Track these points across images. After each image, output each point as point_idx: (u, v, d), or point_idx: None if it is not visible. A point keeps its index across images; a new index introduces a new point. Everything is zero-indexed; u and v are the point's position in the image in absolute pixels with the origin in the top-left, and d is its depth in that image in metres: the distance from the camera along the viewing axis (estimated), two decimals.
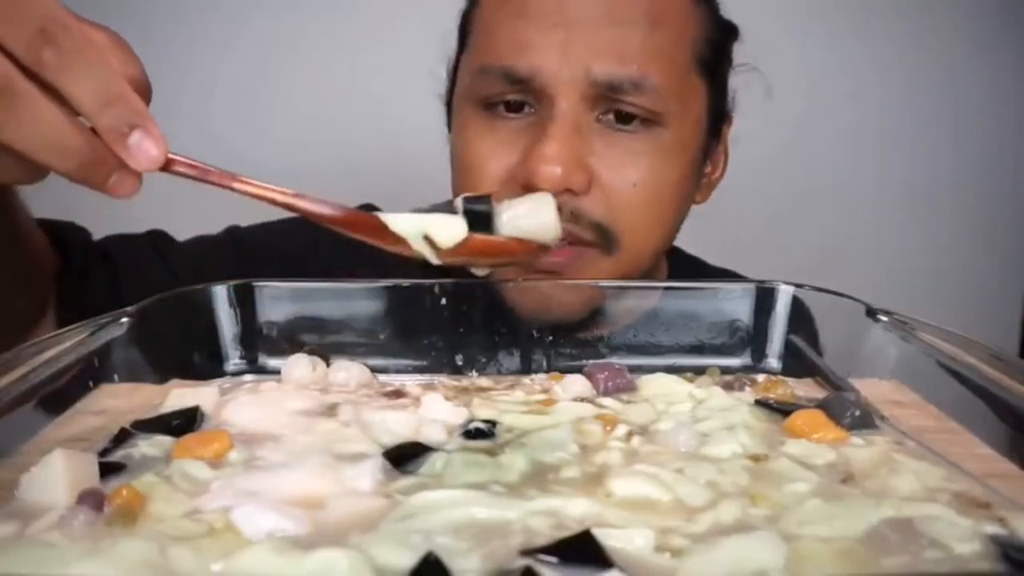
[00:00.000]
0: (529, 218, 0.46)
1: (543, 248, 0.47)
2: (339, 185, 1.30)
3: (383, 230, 0.43)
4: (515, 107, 0.70)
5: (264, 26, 1.37)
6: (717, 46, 0.75)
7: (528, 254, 0.47)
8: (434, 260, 0.44)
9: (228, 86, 1.39)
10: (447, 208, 0.45)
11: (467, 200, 0.44)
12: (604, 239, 0.70)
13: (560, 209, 0.59)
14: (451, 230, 0.43)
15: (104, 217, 0.80)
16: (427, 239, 0.43)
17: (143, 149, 0.40)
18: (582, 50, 0.67)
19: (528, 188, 0.66)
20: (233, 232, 0.87)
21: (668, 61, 0.70)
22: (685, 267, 0.89)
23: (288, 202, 0.44)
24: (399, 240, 0.43)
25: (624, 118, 0.69)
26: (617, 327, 0.66)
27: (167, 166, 0.41)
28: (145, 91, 0.43)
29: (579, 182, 0.67)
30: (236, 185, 0.43)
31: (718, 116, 0.77)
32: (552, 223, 0.47)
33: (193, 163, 0.42)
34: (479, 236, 0.43)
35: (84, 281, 0.75)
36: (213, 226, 0.88)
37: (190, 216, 0.85)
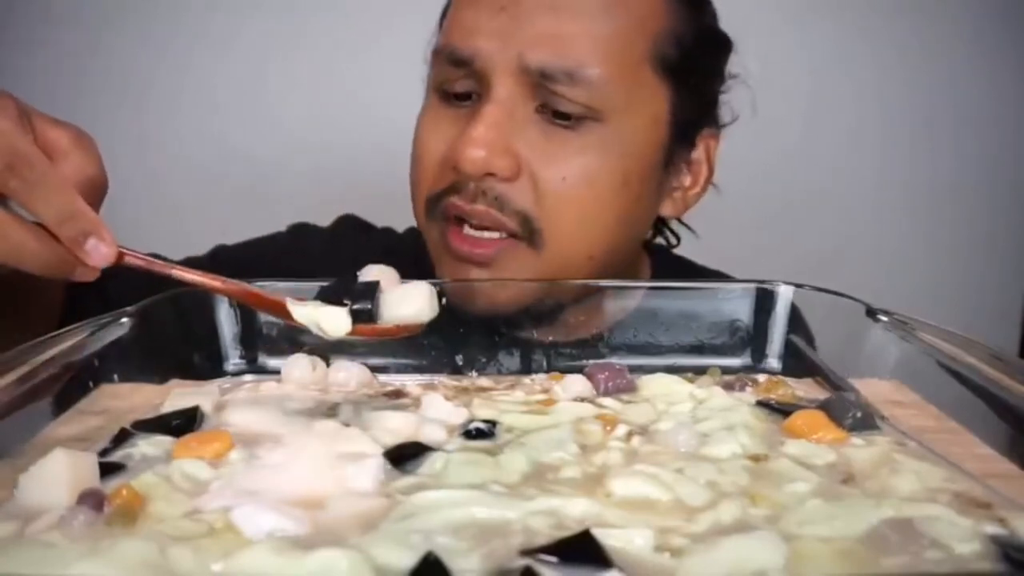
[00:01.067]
0: (402, 306, 0.53)
1: (420, 326, 0.53)
2: (337, 183, 1.31)
3: (288, 314, 0.51)
4: (465, 96, 0.71)
5: (264, 26, 1.38)
6: (690, 50, 0.72)
7: (407, 333, 0.53)
8: (328, 338, 0.51)
9: (228, 85, 1.39)
10: (349, 285, 0.53)
11: (358, 290, 0.52)
12: (528, 231, 0.69)
13: (486, 193, 0.67)
14: (337, 323, 0.50)
15: None
16: (319, 327, 0.50)
17: (98, 251, 0.48)
18: (520, 36, 0.67)
19: (456, 171, 0.68)
20: (220, 251, 0.88)
21: (615, 53, 0.68)
22: (671, 267, 0.88)
23: (218, 287, 0.53)
24: (299, 324, 0.51)
25: (561, 115, 0.68)
26: (603, 326, 0.66)
27: (119, 260, 0.49)
28: (102, 185, 0.52)
29: (504, 168, 0.67)
30: (175, 273, 0.51)
31: (689, 123, 0.75)
32: (423, 309, 0.53)
33: (139, 256, 0.50)
34: (362, 326, 0.51)
35: (80, 314, 0.75)
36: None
37: (189, 235, 0.85)
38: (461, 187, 0.69)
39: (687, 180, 0.78)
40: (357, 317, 0.51)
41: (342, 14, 1.38)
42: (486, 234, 0.70)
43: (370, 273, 0.54)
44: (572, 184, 0.69)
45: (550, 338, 0.66)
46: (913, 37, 1.44)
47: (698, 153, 0.77)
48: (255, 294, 0.53)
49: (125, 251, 0.49)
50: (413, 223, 0.90)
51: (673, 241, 0.89)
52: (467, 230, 0.70)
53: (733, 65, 0.79)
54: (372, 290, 0.52)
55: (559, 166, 0.68)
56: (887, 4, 1.43)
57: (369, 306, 0.51)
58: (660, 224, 0.86)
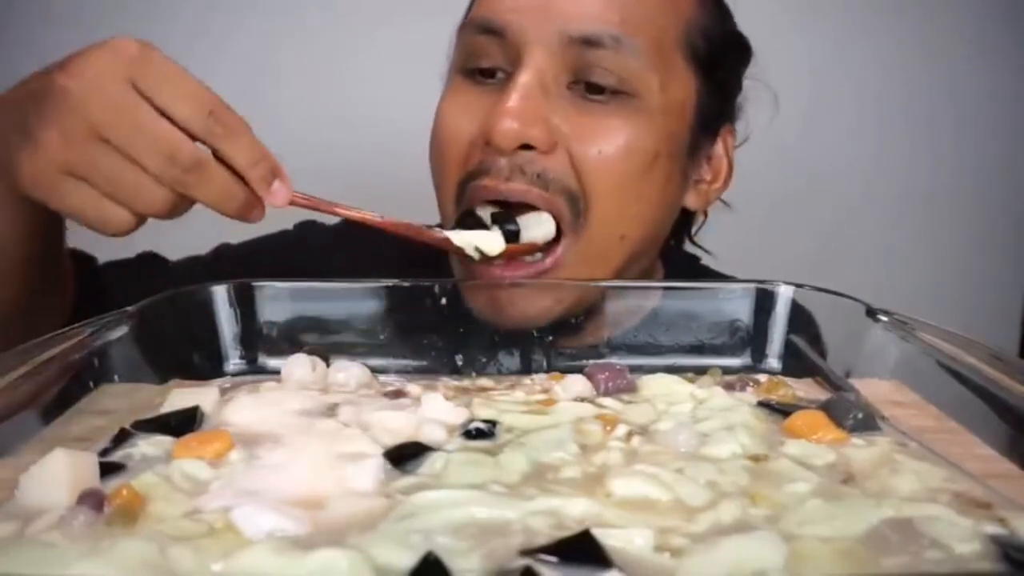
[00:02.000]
0: (534, 228, 0.67)
1: (546, 243, 0.68)
2: (337, 183, 1.30)
3: (448, 243, 0.64)
4: (490, 74, 0.70)
5: (263, 25, 1.38)
6: (716, 45, 0.74)
7: (532, 251, 0.68)
8: (483, 258, 0.64)
9: (227, 84, 1.38)
10: (474, 220, 0.67)
11: (495, 220, 0.67)
12: (574, 212, 0.67)
13: (524, 171, 0.67)
14: (493, 242, 0.65)
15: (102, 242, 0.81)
16: (477, 249, 0.64)
17: (280, 193, 0.55)
18: (555, 7, 0.67)
19: (487, 147, 0.66)
20: (223, 250, 0.87)
21: (651, 30, 0.69)
22: (685, 274, 0.88)
23: (378, 222, 0.60)
24: (458, 249, 0.64)
25: (595, 89, 0.68)
26: (617, 329, 0.66)
27: (292, 201, 0.56)
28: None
29: (540, 138, 0.66)
30: (338, 210, 0.59)
31: (712, 116, 0.75)
32: (550, 231, 0.68)
33: (308, 198, 0.58)
34: (511, 245, 0.66)
35: (81, 311, 0.75)
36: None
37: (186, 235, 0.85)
38: (491, 167, 0.67)
39: (708, 175, 0.78)
40: (507, 238, 0.64)
41: (342, 13, 1.38)
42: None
43: (484, 210, 0.67)
44: (608, 158, 0.67)
45: (550, 338, 0.66)
46: (914, 37, 1.44)
47: (718, 148, 0.78)
48: (415, 228, 0.63)
49: (296, 194, 0.56)
50: (418, 221, 0.90)
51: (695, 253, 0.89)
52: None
53: (753, 68, 0.80)
54: (508, 215, 0.66)
55: (594, 139, 0.67)
56: (887, 3, 1.43)
57: (516, 228, 0.65)
58: (682, 230, 0.87)
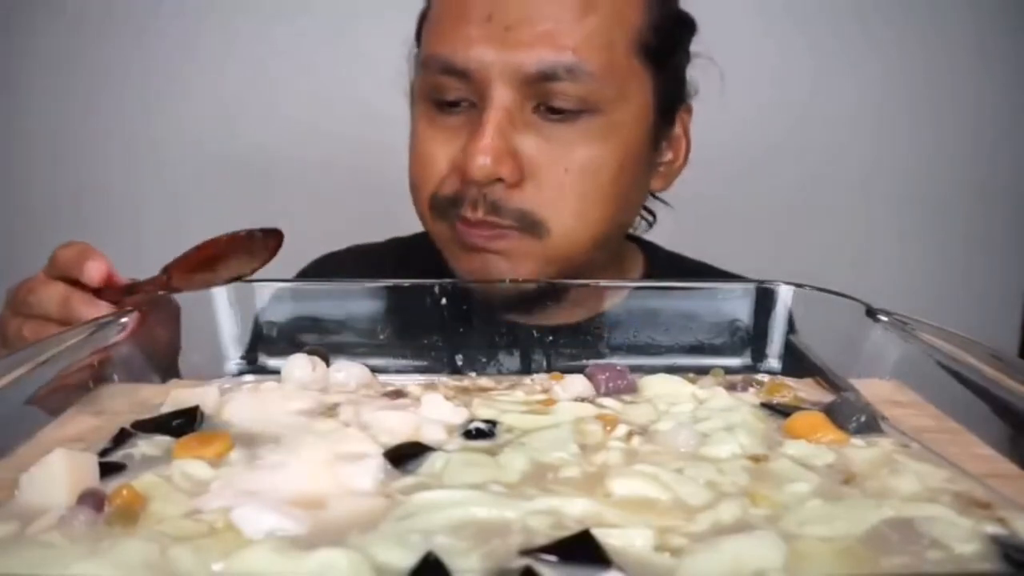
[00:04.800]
0: None
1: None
2: (342, 176, 1.30)
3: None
4: (457, 103, 0.73)
5: (270, 13, 1.38)
6: (665, 35, 0.76)
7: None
8: None
9: (236, 74, 1.39)
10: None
11: None
12: (528, 224, 0.72)
13: (486, 197, 0.71)
14: None
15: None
16: None
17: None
18: (512, 42, 0.69)
19: (464, 178, 0.71)
20: None
21: (603, 47, 0.71)
22: (664, 263, 0.91)
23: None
24: None
25: (559, 111, 0.71)
26: (601, 307, 0.67)
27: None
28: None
29: (509, 172, 0.70)
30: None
31: (670, 103, 0.78)
32: None
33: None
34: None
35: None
36: None
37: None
38: (464, 197, 0.71)
39: (669, 155, 0.82)
40: None
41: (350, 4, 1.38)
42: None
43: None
44: (574, 175, 0.71)
45: (550, 337, 0.66)
46: (915, 35, 1.44)
47: (677, 129, 0.81)
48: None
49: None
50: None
51: (650, 219, 0.92)
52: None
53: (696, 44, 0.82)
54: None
55: (561, 159, 0.71)
56: (889, 3, 1.43)
57: None
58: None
